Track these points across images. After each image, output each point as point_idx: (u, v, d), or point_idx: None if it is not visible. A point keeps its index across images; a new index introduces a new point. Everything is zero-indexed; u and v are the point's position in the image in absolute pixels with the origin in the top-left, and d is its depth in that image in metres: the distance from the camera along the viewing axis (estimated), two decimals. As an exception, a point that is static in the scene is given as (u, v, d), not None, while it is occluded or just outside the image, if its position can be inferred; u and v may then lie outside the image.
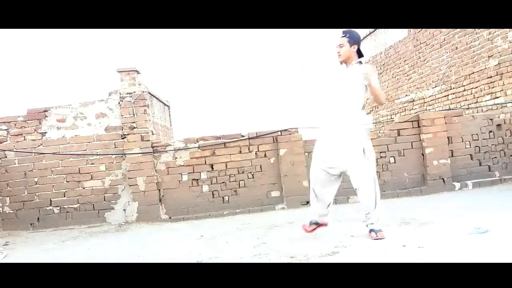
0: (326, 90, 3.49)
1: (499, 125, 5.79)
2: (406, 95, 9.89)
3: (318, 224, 3.51)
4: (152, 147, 5.46)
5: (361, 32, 11.57)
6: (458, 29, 7.66)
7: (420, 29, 8.89)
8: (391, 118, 10.14)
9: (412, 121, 5.62)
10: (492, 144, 5.71)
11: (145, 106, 5.50)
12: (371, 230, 3.25)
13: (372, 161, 3.36)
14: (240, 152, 5.49)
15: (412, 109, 9.59)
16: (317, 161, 3.40)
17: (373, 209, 3.27)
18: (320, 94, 3.48)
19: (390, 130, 5.68)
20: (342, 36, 3.32)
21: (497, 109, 6.81)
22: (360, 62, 3.38)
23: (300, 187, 5.37)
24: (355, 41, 3.33)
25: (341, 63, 3.39)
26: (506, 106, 6.61)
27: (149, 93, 6.23)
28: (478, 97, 7.37)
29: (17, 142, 5.42)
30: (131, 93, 5.48)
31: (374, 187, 3.28)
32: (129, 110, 5.44)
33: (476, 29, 7.21)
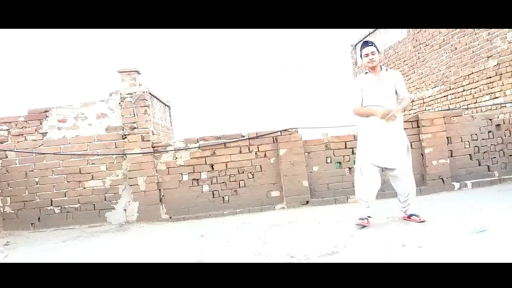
0: (360, 94, 3.75)
1: (498, 125, 5.80)
2: (406, 95, 9.89)
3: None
4: (152, 147, 5.47)
5: (361, 32, 11.60)
6: (458, 30, 7.67)
7: (419, 30, 8.90)
8: (391, 118, 10.13)
9: (411, 121, 5.63)
10: (491, 144, 5.72)
11: (145, 106, 5.51)
12: (411, 215, 3.73)
13: (411, 155, 3.82)
14: (240, 152, 5.50)
15: (412, 109, 9.60)
16: (367, 156, 3.74)
17: (414, 195, 3.80)
18: (349, 97, 3.88)
19: (389, 130, 5.68)
20: (371, 45, 3.68)
21: (496, 109, 6.82)
22: (386, 69, 3.79)
23: (300, 187, 5.38)
24: (379, 50, 3.78)
25: (368, 70, 3.75)
26: (505, 106, 6.63)
27: (150, 93, 6.24)
28: (477, 98, 7.38)
29: (18, 142, 5.43)
30: (132, 94, 5.49)
31: (413, 177, 3.81)
32: (130, 111, 5.45)
33: (475, 30, 7.23)
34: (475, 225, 3.22)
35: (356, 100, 3.72)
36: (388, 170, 3.73)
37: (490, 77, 7.01)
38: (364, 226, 3.69)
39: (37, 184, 5.40)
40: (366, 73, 3.75)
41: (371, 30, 10.97)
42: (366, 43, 3.71)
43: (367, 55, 3.67)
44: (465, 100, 7.70)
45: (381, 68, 3.75)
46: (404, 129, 5.54)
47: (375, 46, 3.71)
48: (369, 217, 3.79)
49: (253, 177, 5.49)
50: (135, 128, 5.43)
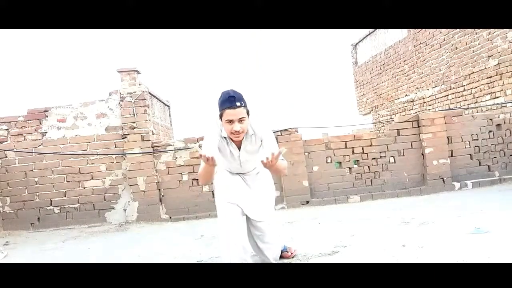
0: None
1: (498, 125, 5.79)
2: (406, 95, 9.90)
3: None
4: (152, 147, 5.46)
5: (361, 32, 11.60)
6: (458, 29, 7.67)
7: (420, 29, 8.89)
8: (391, 118, 10.15)
9: (412, 121, 5.63)
10: (491, 144, 5.71)
11: (145, 106, 5.51)
12: (282, 251, 2.93)
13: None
14: (240, 152, 5.49)
15: (412, 109, 9.60)
16: (225, 198, 2.63)
17: (280, 239, 2.94)
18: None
19: (390, 130, 5.69)
20: (241, 106, 2.37)
21: (496, 109, 6.82)
22: (252, 133, 2.53)
23: (300, 187, 5.37)
24: (249, 111, 2.47)
25: (227, 137, 2.51)
26: (505, 106, 6.62)
27: (149, 93, 6.23)
28: (477, 97, 7.38)
29: (18, 142, 5.43)
30: (132, 93, 5.49)
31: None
32: (130, 110, 5.45)
33: (476, 29, 7.22)
34: (475, 225, 3.21)
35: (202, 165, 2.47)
36: (252, 228, 2.72)
37: (491, 76, 7.00)
38: None
39: (37, 184, 5.40)
40: (224, 138, 2.52)
41: (371, 30, 10.97)
42: (231, 100, 2.35)
43: (230, 121, 2.37)
44: (466, 100, 7.69)
45: (253, 133, 2.53)
46: (404, 128, 5.62)
47: (245, 106, 2.41)
48: None
49: (253, 177, 5.48)
50: (134, 128, 5.43)
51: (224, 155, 2.58)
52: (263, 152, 2.50)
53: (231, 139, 2.52)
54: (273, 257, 2.78)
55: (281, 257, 2.92)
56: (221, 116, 2.43)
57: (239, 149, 2.55)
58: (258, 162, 2.56)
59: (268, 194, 2.75)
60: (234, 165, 2.64)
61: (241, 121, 2.39)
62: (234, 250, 2.55)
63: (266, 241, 2.73)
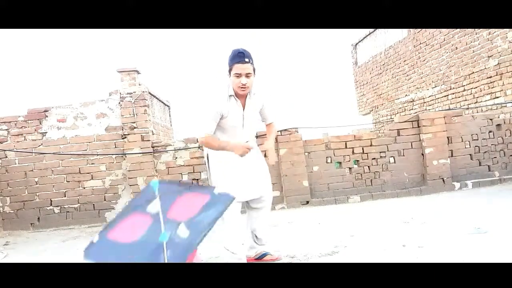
0: (215, 122, 2.70)
1: (498, 125, 5.79)
2: (406, 95, 9.90)
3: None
4: (152, 147, 5.46)
5: (361, 32, 11.60)
6: (458, 29, 7.67)
7: (420, 29, 8.89)
8: (391, 118, 10.15)
9: (412, 121, 5.63)
10: (491, 144, 5.71)
11: (145, 106, 5.51)
12: (264, 254, 3.05)
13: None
14: (240, 152, 5.48)
15: (412, 109, 9.60)
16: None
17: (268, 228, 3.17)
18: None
19: (390, 130, 5.69)
20: (248, 62, 2.59)
21: (496, 109, 6.82)
22: (254, 93, 2.77)
23: (300, 187, 5.37)
24: (255, 68, 2.68)
25: (234, 94, 2.69)
26: (505, 106, 6.62)
27: (149, 93, 6.23)
28: (477, 97, 7.38)
29: (18, 142, 5.43)
30: (131, 93, 5.49)
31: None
32: (129, 110, 5.45)
33: (476, 29, 7.22)
34: (475, 225, 3.21)
35: (208, 127, 2.66)
36: (251, 203, 2.91)
37: (491, 76, 7.00)
38: None
39: (37, 184, 5.40)
40: (230, 96, 2.69)
41: (371, 30, 10.97)
42: (241, 56, 2.58)
43: (238, 75, 2.59)
44: (466, 100, 7.70)
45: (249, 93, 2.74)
46: (404, 129, 5.62)
47: (253, 63, 2.64)
48: None
49: (253, 177, 5.47)
50: (134, 128, 5.43)
51: (232, 116, 2.72)
52: (266, 116, 2.93)
53: (237, 96, 2.71)
54: (261, 236, 2.99)
55: (263, 260, 2.98)
56: (230, 70, 2.65)
57: (244, 108, 2.76)
58: (255, 129, 2.93)
59: (264, 170, 2.94)
60: (236, 129, 2.77)
61: (248, 76, 2.61)
62: (236, 247, 2.77)
63: (258, 224, 2.97)
